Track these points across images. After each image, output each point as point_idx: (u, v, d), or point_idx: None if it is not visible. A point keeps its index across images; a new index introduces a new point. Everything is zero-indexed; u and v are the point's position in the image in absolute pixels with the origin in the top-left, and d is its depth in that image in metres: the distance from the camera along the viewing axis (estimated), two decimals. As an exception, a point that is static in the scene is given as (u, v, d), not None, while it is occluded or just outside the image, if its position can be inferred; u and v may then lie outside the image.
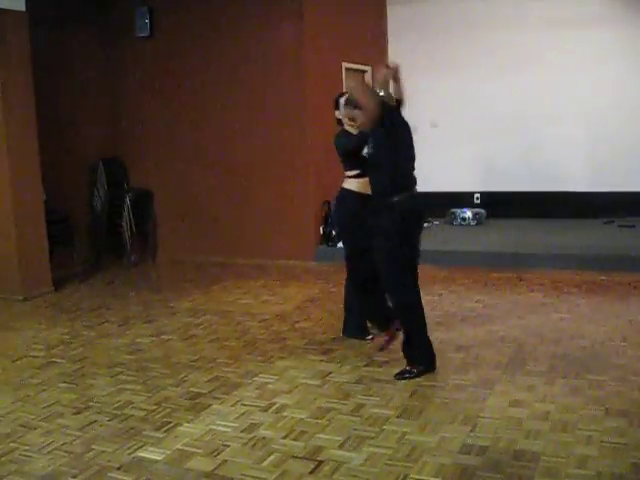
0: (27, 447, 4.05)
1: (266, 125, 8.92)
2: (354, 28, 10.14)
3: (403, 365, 5.02)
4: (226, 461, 3.75)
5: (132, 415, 4.46)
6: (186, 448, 3.94)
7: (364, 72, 10.49)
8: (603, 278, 7.46)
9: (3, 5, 7.42)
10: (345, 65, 9.77)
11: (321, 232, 9.07)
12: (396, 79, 5.00)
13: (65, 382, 5.12)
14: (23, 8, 7.61)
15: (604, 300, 6.78)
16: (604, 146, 10.12)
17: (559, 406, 4.26)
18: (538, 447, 3.72)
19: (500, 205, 10.65)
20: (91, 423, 4.36)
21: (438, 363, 5.04)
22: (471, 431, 3.96)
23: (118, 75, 9.93)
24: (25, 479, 3.67)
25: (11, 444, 4.11)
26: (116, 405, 4.63)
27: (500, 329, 5.90)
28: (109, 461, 3.82)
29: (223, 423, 4.25)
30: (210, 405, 4.54)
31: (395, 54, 11.18)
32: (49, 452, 3.97)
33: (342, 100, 5.46)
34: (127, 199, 9.24)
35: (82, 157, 9.50)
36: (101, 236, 9.48)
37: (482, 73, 10.52)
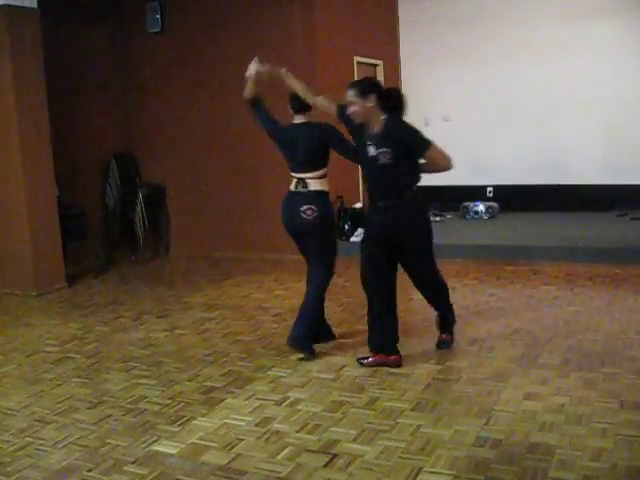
0: (42, 441, 4.07)
1: (278, 119, 8.89)
2: (365, 22, 10.13)
3: (417, 359, 5.04)
4: (240, 455, 3.76)
5: (146, 409, 4.47)
6: (200, 442, 3.94)
7: (376, 66, 10.48)
8: (617, 271, 7.42)
9: (16, 2, 7.45)
10: (357, 59, 9.76)
11: (334, 226, 9.04)
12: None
13: (79, 377, 5.14)
14: (35, 5, 7.64)
15: (618, 293, 6.74)
16: (618, 139, 10.07)
17: (574, 399, 4.24)
18: (553, 440, 3.71)
19: (513, 198, 10.62)
20: (106, 417, 4.37)
21: (451, 356, 5.05)
22: (485, 424, 3.95)
23: (130, 71, 9.95)
24: (41, 473, 3.68)
25: (26, 438, 4.13)
26: (130, 399, 4.65)
27: (514, 322, 5.88)
28: (124, 455, 3.84)
29: (237, 417, 4.25)
30: (224, 399, 4.55)
31: (407, 48, 11.19)
32: (64, 446, 3.99)
33: None
34: (140, 194, 9.26)
35: (95, 152, 9.53)
36: (114, 231, 9.50)
37: (495, 65, 10.50)
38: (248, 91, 5.37)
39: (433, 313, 6.38)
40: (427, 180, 11.98)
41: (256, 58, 5.34)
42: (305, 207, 5.16)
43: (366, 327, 5.92)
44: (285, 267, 8.50)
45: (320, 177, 5.32)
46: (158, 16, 9.48)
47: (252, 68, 5.29)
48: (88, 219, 8.85)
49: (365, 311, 6.30)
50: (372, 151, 4.76)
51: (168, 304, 7.14)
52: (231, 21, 9.16)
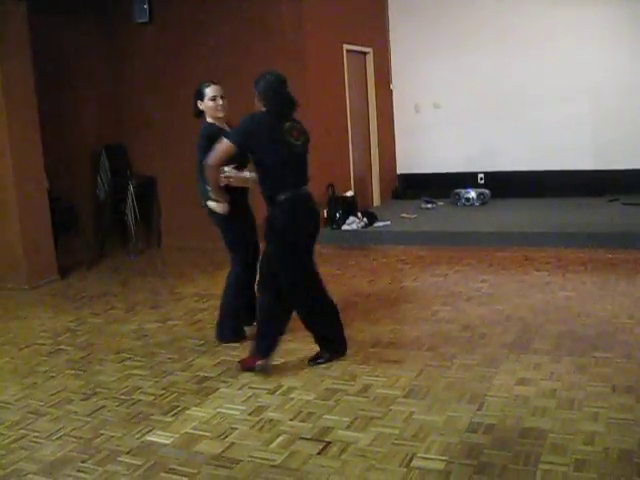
0: (37, 434, 4.08)
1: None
2: (354, 9, 10.11)
3: (409, 346, 5.06)
4: (234, 443, 3.77)
5: (140, 400, 4.48)
6: (194, 431, 3.95)
7: (365, 54, 10.47)
8: (609, 256, 7.45)
9: (2, -6, 7.42)
10: (346, 47, 9.74)
11: (325, 215, 9.06)
12: None
13: (73, 369, 5.14)
14: (22, -4, 7.61)
15: (610, 278, 6.75)
16: (609, 124, 10.10)
17: (565, 383, 4.27)
18: (545, 424, 3.73)
19: (504, 185, 10.63)
20: (99, 409, 4.38)
21: (444, 342, 5.08)
22: (478, 410, 3.97)
23: (119, 61, 9.89)
24: (35, 465, 3.69)
25: (21, 431, 4.13)
26: (124, 390, 4.65)
27: (506, 308, 5.90)
28: (118, 446, 3.84)
29: (231, 406, 4.26)
30: (217, 389, 4.56)
31: (396, 35, 11.17)
32: (58, 438, 3.99)
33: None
34: (130, 186, 9.23)
35: (85, 144, 9.48)
36: (105, 223, 9.48)
37: (485, 53, 10.49)
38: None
39: (426, 299, 6.43)
40: (418, 168, 12.01)
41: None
42: None
43: (357, 316, 5.96)
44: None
45: None
46: (146, 6, 9.41)
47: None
48: (79, 211, 8.81)
49: (357, 299, 6.36)
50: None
51: (160, 295, 7.13)
52: (219, 11, 9.11)
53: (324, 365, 4.83)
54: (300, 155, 4.68)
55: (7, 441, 4.00)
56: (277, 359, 4.98)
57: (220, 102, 5.38)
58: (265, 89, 4.63)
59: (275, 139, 4.54)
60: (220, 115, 5.39)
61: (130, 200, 9.21)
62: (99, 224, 9.49)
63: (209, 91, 5.43)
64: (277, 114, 4.61)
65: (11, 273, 7.80)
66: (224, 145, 4.55)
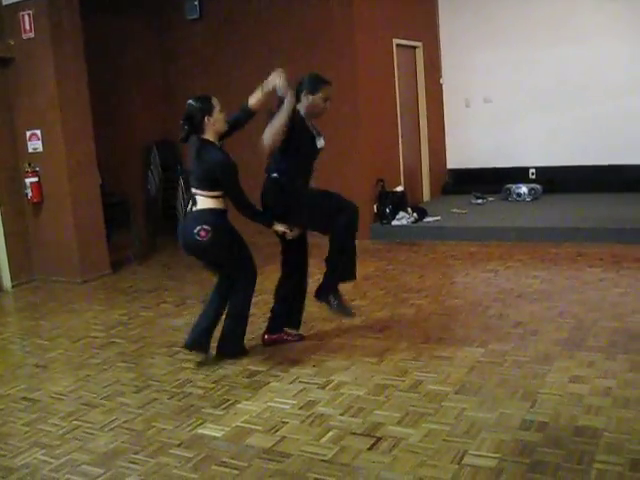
0: (90, 425, 4.14)
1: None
2: (404, 3, 10.04)
3: (460, 342, 5.02)
4: (285, 438, 3.78)
5: (191, 393, 4.51)
6: (245, 425, 3.97)
7: (415, 48, 10.40)
8: (664, 252, 7.29)
9: (56, -10, 7.54)
10: (396, 42, 9.69)
11: (375, 210, 9.03)
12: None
13: (125, 362, 5.21)
14: (75, -8, 7.72)
15: (666, 274, 6.63)
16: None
17: (620, 382, 4.18)
18: (599, 423, 3.66)
19: (556, 180, 10.47)
20: (151, 401, 4.43)
21: (495, 339, 5.02)
22: (531, 407, 3.91)
23: (169, 57, 10.00)
24: (88, 456, 3.74)
25: (74, 422, 4.20)
26: (175, 383, 4.70)
27: (559, 305, 5.80)
28: (170, 438, 3.88)
29: (281, 400, 4.27)
30: (268, 383, 4.57)
31: (446, 29, 11.08)
32: (111, 429, 4.05)
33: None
34: (181, 181, 9.30)
35: (136, 140, 9.60)
36: (156, 218, 9.58)
37: (535, 47, 10.34)
38: (258, 101, 5.17)
39: (477, 295, 6.36)
40: (469, 162, 11.86)
41: (281, 70, 5.04)
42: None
43: (408, 311, 5.93)
44: (322, 252, 8.46)
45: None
46: (196, 3, 9.51)
47: (275, 81, 5.00)
48: (130, 206, 8.93)
49: (407, 295, 6.35)
50: (321, 142, 5.26)
51: (211, 289, 7.15)
52: (269, 7, 9.14)
53: (375, 360, 4.81)
54: None
55: (61, 432, 4.07)
56: (328, 354, 4.99)
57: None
58: None
59: None
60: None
61: (180, 195, 9.29)
62: (150, 219, 9.60)
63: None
64: None
65: (64, 267, 7.94)
66: None
